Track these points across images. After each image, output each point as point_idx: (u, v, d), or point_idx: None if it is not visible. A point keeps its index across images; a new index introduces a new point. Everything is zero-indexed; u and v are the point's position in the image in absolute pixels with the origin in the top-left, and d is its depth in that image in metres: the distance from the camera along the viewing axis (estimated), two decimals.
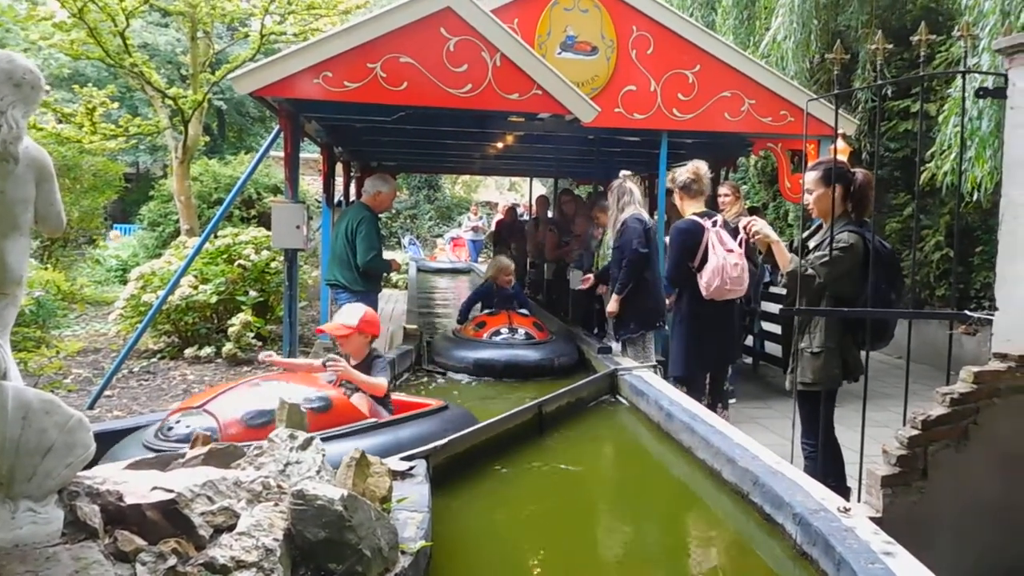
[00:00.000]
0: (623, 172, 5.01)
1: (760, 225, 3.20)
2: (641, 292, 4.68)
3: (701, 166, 4.16)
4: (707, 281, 3.91)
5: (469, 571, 2.17)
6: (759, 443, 2.80)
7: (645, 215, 4.81)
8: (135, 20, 9.43)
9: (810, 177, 3.25)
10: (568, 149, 7.63)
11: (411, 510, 2.02)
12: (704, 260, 3.95)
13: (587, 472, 3.21)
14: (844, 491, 3.07)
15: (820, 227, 3.32)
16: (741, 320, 4.22)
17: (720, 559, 2.35)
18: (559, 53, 5.26)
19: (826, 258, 3.01)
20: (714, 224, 4.03)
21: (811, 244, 3.26)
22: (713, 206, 7.09)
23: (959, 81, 5.53)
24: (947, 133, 5.66)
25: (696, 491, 2.81)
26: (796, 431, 3.73)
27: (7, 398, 1.36)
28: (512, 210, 10.84)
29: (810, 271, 3.07)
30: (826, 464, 3.13)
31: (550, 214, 8.87)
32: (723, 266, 3.88)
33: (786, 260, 3.15)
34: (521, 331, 5.02)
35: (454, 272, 12.77)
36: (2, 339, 1.43)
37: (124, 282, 8.29)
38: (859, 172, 3.24)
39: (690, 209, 4.12)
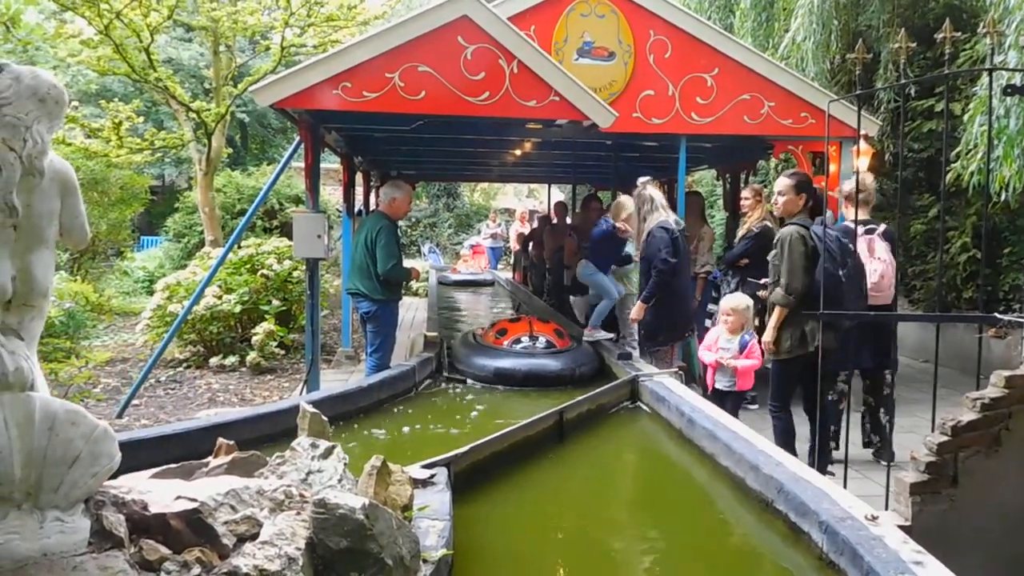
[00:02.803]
0: (641, 179, 4.95)
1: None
2: (669, 303, 4.63)
3: (867, 177, 4.30)
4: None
5: None
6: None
7: (671, 220, 4.73)
8: (159, 36, 9.62)
9: (784, 183, 3.87)
10: (586, 155, 7.62)
11: (432, 518, 2.02)
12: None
13: (608, 479, 3.19)
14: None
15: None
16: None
17: (744, 567, 2.31)
18: (576, 59, 5.26)
19: (781, 266, 3.65)
20: (869, 232, 4.15)
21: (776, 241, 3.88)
22: (735, 210, 7.06)
23: (985, 79, 5.42)
24: (973, 132, 5.55)
25: (719, 498, 2.78)
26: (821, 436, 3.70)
27: (34, 409, 1.39)
28: (547, 217, 10.25)
29: (785, 284, 3.65)
30: (787, 424, 3.82)
31: (568, 220, 8.85)
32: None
33: (773, 299, 3.79)
34: (542, 339, 4.99)
35: (476, 284, 12.04)
36: (30, 350, 1.46)
37: (151, 293, 8.44)
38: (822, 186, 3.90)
39: (850, 216, 4.22)
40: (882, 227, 4.24)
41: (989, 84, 3.04)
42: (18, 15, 6.79)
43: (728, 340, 4.14)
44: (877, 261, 4.09)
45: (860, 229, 3.99)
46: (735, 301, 4.20)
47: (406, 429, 3.68)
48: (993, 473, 2.39)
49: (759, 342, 3.98)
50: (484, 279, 12.40)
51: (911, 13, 7.32)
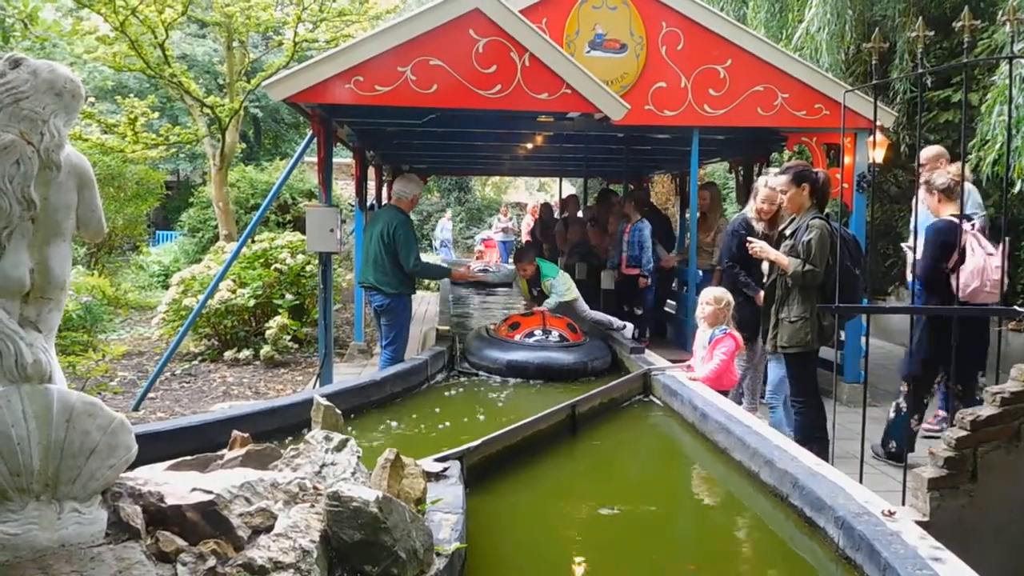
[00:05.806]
0: (767, 169, 5.20)
1: (760, 246, 3.87)
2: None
3: (954, 167, 4.09)
4: (965, 282, 3.74)
5: (504, 573, 2.16)
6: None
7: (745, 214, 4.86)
8: (174, 32, 9.69)
9: (781, 180, 3.84)
10: (598, 148, 7.59)
11: (445, 511, 2.02)
12: (961, 261, 3.79)
13: (621, 473, 3.18)
14: (824, 443, 3.60)
15: (791, 222, 3.91)
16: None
17: (759, 563, 2.30)
18: (588, 51, 5.23)
19: (812, 250, 3.60)
20: (972, 227, 3.90)
21: (787, 232, 3.85)
22: (747, 202, 7.01)
23: (1004, 68, 5.33)
24: (991, 123, 5.46)
25: (733, 493, 2.76)
26: (835, 430, 3.68)
27: (52, 401, 1.40)
28: (547, 207, 10.70)
29: (808, 267, 3.62)
30: (811, 419, 3.75)
31: (579, 213, 8.83)
32: (984, 268, 3.74)
33: (786, 264, 3.71)
34: (555, 333, 4.98)
35: (491, 285, 10.22)
36: (48, 342, 1.47)
37: (166, 287, 8.51)
38: (820, 172, 3.87)
39: (946, 211, 3.98)
40: (977, 221, 3.98)
41: (1009, 72, 3.00)
42: (35, 12, 6.85)
43: (703, 333, 3.96)
44: (995, 256, 3.72)
45: (965, 224, 3.71)
46: (717, 292, 3.95)
47: (419, 422, 3.69)
48: (1014, 468, 2.36)
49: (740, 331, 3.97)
50: (501, 280, 10.43)
51: (928, 2, 7.21)
